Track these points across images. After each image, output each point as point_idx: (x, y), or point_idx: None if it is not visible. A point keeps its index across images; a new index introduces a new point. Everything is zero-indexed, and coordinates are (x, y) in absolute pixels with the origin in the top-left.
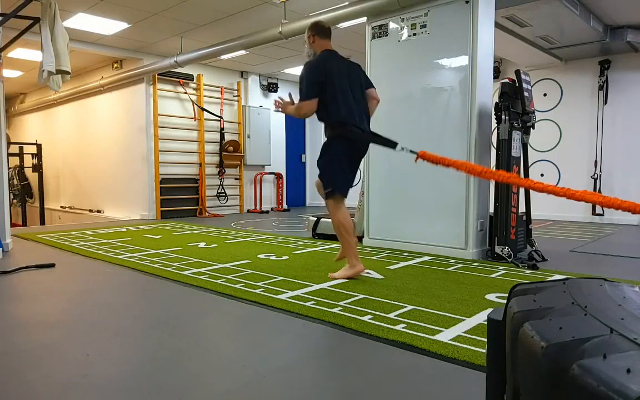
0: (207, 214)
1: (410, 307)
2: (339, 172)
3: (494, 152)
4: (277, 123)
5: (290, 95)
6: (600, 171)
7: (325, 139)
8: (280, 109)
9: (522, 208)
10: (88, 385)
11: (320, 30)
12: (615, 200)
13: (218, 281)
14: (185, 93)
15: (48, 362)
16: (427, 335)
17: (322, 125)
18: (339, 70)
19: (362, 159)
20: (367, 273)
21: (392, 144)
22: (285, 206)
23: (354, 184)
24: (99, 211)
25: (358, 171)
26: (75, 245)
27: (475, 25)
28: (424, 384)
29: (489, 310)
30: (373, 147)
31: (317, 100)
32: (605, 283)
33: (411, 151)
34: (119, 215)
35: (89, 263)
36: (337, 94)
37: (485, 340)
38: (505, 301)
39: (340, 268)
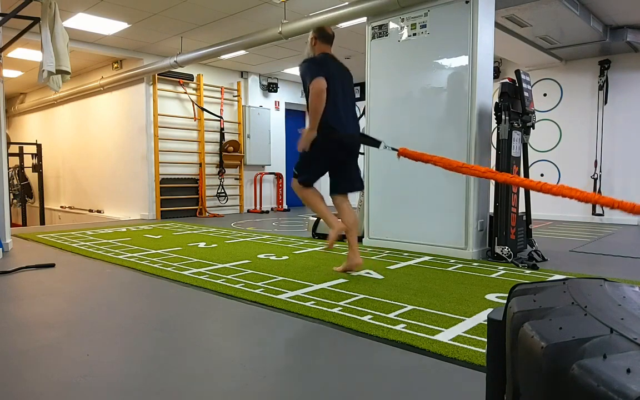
0: (207, 214)
1: (410, 307)
2: (308, 165)
3: (494, 152)
4: (277, 123)
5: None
6: (600, 171)
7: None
8: (303, 137)
9: (522, 208)
10: (88, 385)
11: (323, 36)
12: (611, 199)
13: (218, 281)
14: (185, 93)
15: (48, 362)
16: (427, 335)
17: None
18: (334, 73)
19: (362, 158)
20: (367, 273)
21: (376, 143)
22: (285, 206)
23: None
24: (99, 211)
25: (359, 170)
26: (75, 245)
27: (475, 25)
28: (424, 384)
29: (489, 310)
30: (373, 148)
31: (325, 78)
32: (605, 283)
33: (392, 148)
34: (119, 215)
35: (89, 263)
36: (330, 94)
37: (485, 340)
38: (505, 301)
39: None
